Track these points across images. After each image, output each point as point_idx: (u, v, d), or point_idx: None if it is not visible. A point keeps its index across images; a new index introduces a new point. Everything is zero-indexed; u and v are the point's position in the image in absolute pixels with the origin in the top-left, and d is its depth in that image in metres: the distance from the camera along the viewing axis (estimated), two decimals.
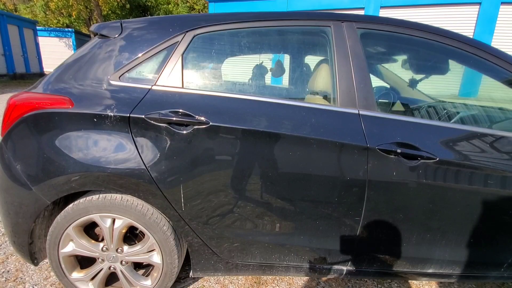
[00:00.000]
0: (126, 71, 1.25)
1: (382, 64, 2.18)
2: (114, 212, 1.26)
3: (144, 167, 1.18)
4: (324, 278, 1.66)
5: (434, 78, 1.95)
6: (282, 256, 1.34)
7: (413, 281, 1.65)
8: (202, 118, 1.17)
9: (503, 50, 1.32)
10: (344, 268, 1.36)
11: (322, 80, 1.40)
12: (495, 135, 1.25)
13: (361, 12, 7.47)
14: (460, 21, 6.99)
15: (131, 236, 1.43)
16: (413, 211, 1.24)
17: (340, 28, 1.29)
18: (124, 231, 1.33)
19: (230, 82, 1.60)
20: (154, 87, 1.23)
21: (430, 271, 1.36)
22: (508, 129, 1.43)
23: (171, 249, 1.31)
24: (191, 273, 1.40)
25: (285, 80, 2.22)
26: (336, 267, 1.36)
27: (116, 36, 1.29)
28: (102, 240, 1.37)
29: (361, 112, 1.22)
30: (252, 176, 1.21)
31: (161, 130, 1.18)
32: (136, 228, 1.37)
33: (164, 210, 1.26)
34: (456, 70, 1.62)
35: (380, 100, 2.11)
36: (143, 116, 1.17)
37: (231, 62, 1.61)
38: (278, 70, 2.23)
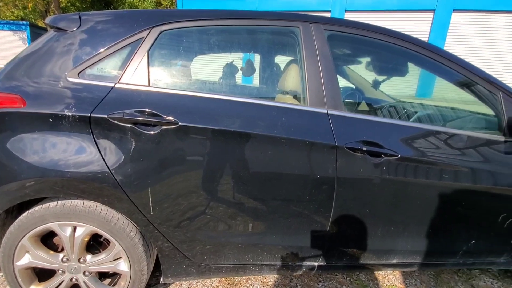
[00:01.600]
0: (85, 68, 1.17)
1: (348, 66, 2.27)
2: (74, 219, 1.17)
3: (108, 171, 1.11)
4: (296, 275, 1.69)
5: (394, 80, 2.08)
6: (255, 255, 1.34)
7: (379, 271, 1.74)
8: (171, 118, 1.13)
9: (455, 54, 1.44)
10: (316, 263, 1.39)
11: (292, 80, 1.42)
12: (449, 132, 1.36)
13: (328, 15, 7.74)
14: (417, 27, 7.53)
15: (95, 244, 1.34)
16: (378, 205, 1.30)
17: (309, 29, 1.32)
18: (86, 239, 1.24)
19: (199, 81, 1.56)
20: (118, 85, 1.16)
21: (394, 261, 1.45)
22: (459, 127, 1.56)
23: (140, 255, 1.25)
24: (161, 279, 1.35)
25: (255, 79, 2.23)
26: (308, 263, 1.39)
27: (74, 29, 1.20)
28: (62, 250, 1.27)
29: (329, 112, 1.25)
30: (224, 176, 1.20)
31: (126, 130, 1.12)
32: (100, 236, 1.28)
33: (131, 215, 1.20)
34: (414, 72, 1.73)
35: (346, 100, 2.20)
36: (106, 116, 1.10)
37: (200, 60, 1.57)
38: (248, 69, 2.23)
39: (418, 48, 1.38)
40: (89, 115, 1.09)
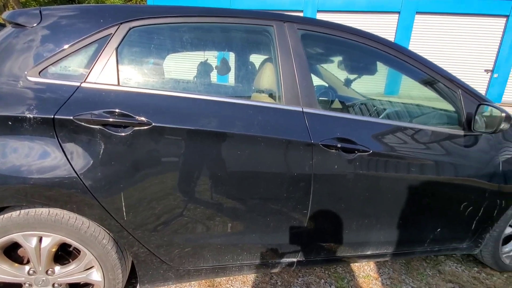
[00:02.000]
0: (47, 66, 1.09)
1: (321, 64, 2.32)
2: (40, 229, 1.10)
3: (76, 175, 1.05)
4: (276, 272, 1.71)
5: (365, 78, 2.16)
6: (235, 256, 1.34)
7: (355, 263, 1.81)
8: (143, 119, 1.09)
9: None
10: (295, 259, 1.41)
11: (267, 78, 1.43)
12: (415, 128, 1.44)
13: (300, 15, 7.88)
14: (384, 27, 7.90)
15: (64, 254, 1.26)
16: (353, 200, 1.35)
17: (282, 28, 1.33)
18: (54, 249, 1.16)
19: (173, 80, 1.52)
20: (84, 84, 1.10)
21: (368, 252, 1.51)
22: (424, 123, 1.66)
23: (113, 263, 1.20)
24: (138, 286, 1.30)
25: (231, 78, 2.21)
26: (287, 259, 1.41)
27: (35, 25, 1.11)
28: (28, 262, 1.18)
29: (304, 110, 1.27)
30: (201, 177, 1.18)
31: (95, 132, 1.06)
32: (69, 245, 1.21)
33: (102, 222, 1.14)
34: (382, 71, 1.81)
35: (320, 98, 2.25)
36: (72, 118, 1.03)
37: (173, 58, 1.52)
38: (223, 68, 2.20)
39: (386, 48, 1.45)
40: (52, 116, 1.02)
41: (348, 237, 1.43)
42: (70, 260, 1.24)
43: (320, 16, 8.07)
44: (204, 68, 2.16)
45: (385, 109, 1.96)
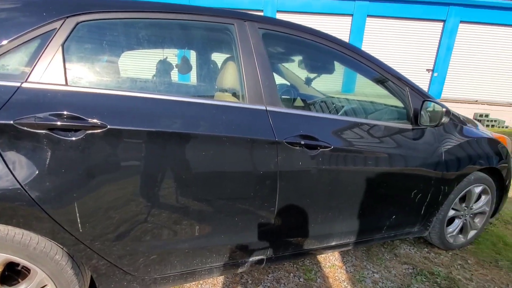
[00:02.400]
0: None
1: (282, 64, 2.37)
2: None
3: (20, 187, 0.93)
4: (246, 270, 1.71)
5: (324, 77, 2.26)
6: (204, 259, 1.31)
7: (321, 255, 1.89)
8: (97, 121, 1.00)
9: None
10: (264, 257, 1.43)
11: (230, 77, 1.41)
12: (370, 124, 1.54)
13: (261, 14, 7.96)
14: (339, 29, 8.33)
15: (12, 274, 1.12)
16: (317, 194, 1.40)
17: (243, 27, 1.33)
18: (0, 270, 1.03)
19: (130, 79, 1.43)
20: (26, 85, 0.98)
21: (333, 243, 1.59)
22: (378, 119, 1.78)
23: (69, 280, 1.09)
24: None
25: (193, 77, 2.15)
26: (256, 258, 1.41)
27: None
28: None
29: (268, 108, 1.28)
30: (165, 181, 1.13)
31: (40, 138, 0.95)
32: (18, 264, 1.08)
33: (54, 236, 1.03)
34: (339, 70, 1.91)
35: (283, 97, 2.30)
36: (12, 122, 0.92)
37: (130, 56, 1.44)
38: (184, 66, 2.14)
39: (342, 49, 1.52)
40: None
41: (314, 230, 1.48)
42: (20, 280, 1.11)
43: (280, 16, 8.24)
44: (164, 66, 2.07)
45: (343, 106, 2.07)
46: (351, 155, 1.43)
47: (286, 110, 1.33)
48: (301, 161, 1.30)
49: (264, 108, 1.28)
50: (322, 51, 1.66)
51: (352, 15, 8.30)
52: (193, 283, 1.60)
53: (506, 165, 1.99)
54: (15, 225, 0.98)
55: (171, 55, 2.06)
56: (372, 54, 1.60)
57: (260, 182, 1.25)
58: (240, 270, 1.42)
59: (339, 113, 1.95)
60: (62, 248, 1.08)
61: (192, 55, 2.04)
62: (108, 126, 1.01)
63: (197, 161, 1.15)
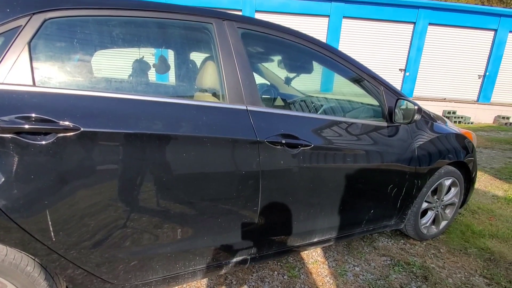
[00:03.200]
0: None
1: (262, 63, 2.38)
2: None
3: None
4: (231, 271, 1.70)
5: (303, 77, 2.29)
6: (187, 262, 1.28)
7: (304, 251, 1.92)
8: (68, 123, 0.95)
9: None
10: (248, 256, 1.43)
11: (209, 77, 1.39)
12: (348, 122, 1.58)
13: (239, 14, 7.94)
14: (317, 29, 8.49)
15: None
16: (299, 192, 1.42)
17: (222, 26, 1.31)
18: None
19: (104, 79, 1.37)
20: None
21: (315, 240, 1.62)
22: (355, 117, 1.83)
23: None
24: None
25: (171, 77, 2.10)
26: (241, 258, 1.41)
27: None
28: None
29: (249, 108, 1.28)
30: (144, 184, 1.09)
31: (5, 143, 0.88)
32: None
33: (25, 246, 0.97)
34: (318, 70, 1.94)
35: (263, 96, 2.31)
36: None
37: (103, 55, 1.37)
38: (162, 66, 2.08)
39: (320, 49, 1.55)
40: None
41: (297, 228, 1.50)
42: None
43: (258, 16, 8.27)
44: (140, 66, 2.01)
45: (322, 105, 2.11)
46: (331, 153, 1.46)
47: (266, 110, 1.34)
48: (283, 160, 1.31)
49: (244, 107, 1.27)
50: (301, 51, 1.68)
51: (329, 16, 8.50)
52: (177, 287, 1.57)
53: (472, 158, 2.12)
54: None
55: (148, 54, 2.00)
56: (349, 54, 1.65)
57: (243, 182, 1.25)
58: (224, 271, 1.41)
59: (318, 112, 1.99)
60: (34, 259, 1.02)
61: (170, 55, 1.99)
62: (81, 129, 0.96)
63: (178, 163, 1.12)
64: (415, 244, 2.11)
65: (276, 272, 1.73)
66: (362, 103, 2.07)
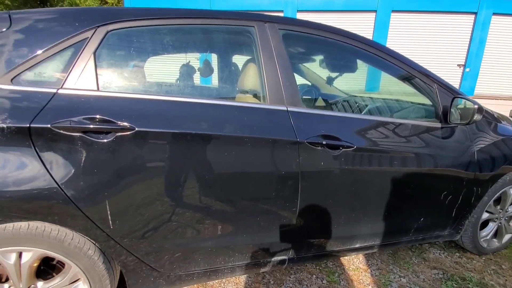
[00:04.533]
0: (20, 73, 1.03)
1: (303, 64, 2.35)
2: (19, 244, 1.04)
3: (57, 186, 1.00)
4: (269, 271, 1.71)
5: (346, 76, 2.21)
6: (226, 257, 1.33)
7: (345, 257, 1.85)
8: (126, 124, 1.06)
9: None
10: (286, 257, 1.42)
11: (250, 79, 1.43)
12: (395, 122, 1.49)
13: (281, 15, 7.94)
14: (362, 26, 8.10)
15: (47, 268, 1.20)
16: (340, 195, 1.38)
17: (264, 28, 1.34)
18: (36, 264, 1.11)
19: (155, 83, 1.49)
20: (61, 91, 1.05)
21: (357, 245, 1.55)
22: (404, 117, 1.72)
23: (101, 274, 1.16)
24: None
25: (214, 79, 2.19)
26: (278, 258, 1.41)
27: (4, 30, 1.06)
28: (7, 280, 1.12)
29: (289, 109, 1.28)
30: (189, 181, 1.16)
31: (75, 140, 1.02)
32: (52, 259, 1.16)
33: (87, 232, 1.10)
34: (362, 68, 1.86)
35: (304, 97, 2.28)
36: (49, 126, 0.99)
37: (155, 61, 1.50)
38: (206, 69, 2.18)
39: (365, 46, 1.48)
40: (28, 125, 0.97)
41: (337, 232, 1.45)
42: (54, 274, 1.19)
43: (300, 16, 8.17)
44: (187, 70, 2.13)
45: (366, 105, 2.01)
46: (376, 155, 1.39)
47: (307, 110, 1.33)
48: (323, 161, 1.29)
49: (285, 108, 1.28)
50: (343, 50, 1.63)
51: (375, 11, 8.04)
52: (216, 281, 1.63)
53: None
54: (51, 222, 1.06)
55: (194, 59, 2.11)
56: (398, 51, 1.55)
57: (282, 182, 1.25)
58: (262, 270, 1.43)
59: (363, 112, 1.90)
60: (95, 244, 1.15)
61: (214, 58, 2.08)
62: (136, 129, 1.06)
63: (220, 162, 1.17)
64: (473, 258, 1.90)
65: (314, 276, 1.70)
66: (412, 103, 1.93)
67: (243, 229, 1.29)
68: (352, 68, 1.87)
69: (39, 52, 1.06)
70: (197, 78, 2.23)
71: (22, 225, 1.04)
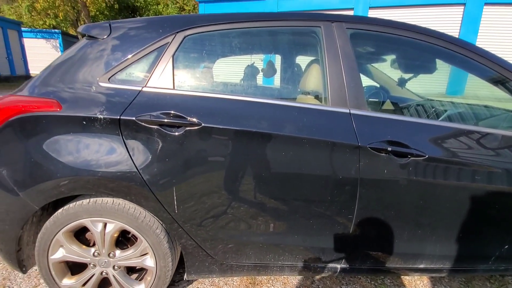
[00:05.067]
0: (115, 73, 1.23)
1: (372, 64, 2.21)
2: (105, 216, 1.24)
3: (136, 170, 1.16)
4: (318, 277, 1.67)
5: (422, 77, 2.00)
6: (276, 256, 1.35)
7: (405, 276, 1.68)
8: (194, 120, 1.17)
9: (487, 49, 1.36)
10: (338, 266, 1.37)
11: (313, 80, 1.41)
12: (481, 132, 1.29)
13: (350, 13, 7.57)
14: (446, 22, 7.16)
15: (123, 240, 1.40)
16: (404, 208, 1.26)
17: (330, 28, 1.31)
18: (116, 235, 1.31)
19: (221, 83, 1.60)
20: (145, 89, 1.22)
21: (421, 266, 1.39)
22: (493, 126, 1.47)
23: (165, 252, 1.30)
24: (185, 276, 1.39)
25: (276, 80, 2.23)
26: (330, 265, 1.37)
27: (105, 37, 1.27)
28: (94, 245, 1.34)
29: (352, 111, 1.23)
30: (245, 176, 1.21)
31: (153, 132, 1.17)
32: (128, 232, 1.35)
33: (157, 213, 1.25)
34: (443, 69, 1.66)
35: (370, 99, 2.15)
36: (134, 118, 1.16)
37: (222, 62, 1.60)
38: (269, 70, 2.24)
39: (447, 44, 1.32)
40: (118, 117, 1.16)
41: (398, 247, 1.33)
42: (129, 245, 1.39)
43: (373, 13, 7.65)
44: (251, 71, 2.22)
45: (445, 111, 1.78)
46: (453, 168, 1.23)
47: (372, 114, 1.25)
48: (387, 169, 1.19)
49: (347, 111, 1.23)
50: (420, 48, 1.47)
51: (464, 4, 7.02)
52: (265, 277, 1.66)
53: None
54: (129, 200, 1.23)
55: (258, 60, 2.19)
56: (489, 50, 1.34)
57: (339, 187, 1.21)
58: (311, 274, 1.40)
59: (440, 118, 1.69)
60: (162, 224, 1.30)
61: (277, 59, 2.11)
62: (203, 124, 1.16)
63: (277, 161, 1.20)
64: None
65: None
66: (505, 110, 1.64)
67: (295, 229, 1.29)
68: (429, 69, 1.68)
69: (130, 56, 1.24)
70: (260, 79, 2.30)
71: (108, 200, 1.24)
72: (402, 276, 1.68)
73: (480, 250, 1.38)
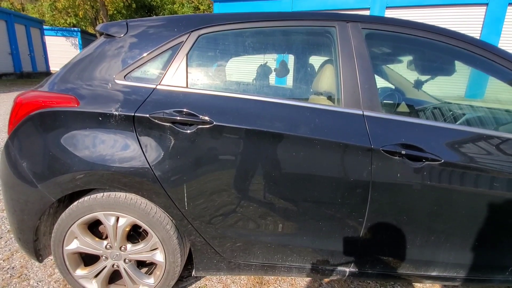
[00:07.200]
0: (131, 71, 1.26)
1: (387, 65, 2.16)
2: (118, 210, 1.27)
3: (148, 166, 1.19)
4: (326, 279, 1.66)
5: (439, 79, 1.94)
6: (284, 256, 1.34)
7: (417, 283, 1.64)
8: (206, 118, 1.18)
9: (510, 51, 1.31)
10: (347, 269, 1.35)
11: (326, 80, 1.40)
12: (502, 137, 1.24)
13: (367, 13, 7.43)
14: (467, 22, 6.92)
15: (135, 234, 1.43)
16: (417, 213, 1.23)
17: (345, 28, 1.29)
18: (127, 229, 1.34)
19: (234, 82, 1.60)
20: (159, 87, 1.24)
21: (434, 273, 1.35)
22: None
23: (174, 247, 1.32)
24: (193, 272, 1.41)
25: (289, 80, 2.22)
26: (338, 268, 1.35)
27: (122, 35, 1.30)
28: (106, 238, 1.38)
29: (365, 113, 1.21)
30: (255, 176, 1.21)
31: (165, 129, 1.18)
32: (139, 227, 1.38)
33: (167, 209, 1.27)
34: (463, 72, 1.60)
35: (384, 101, 2.10)
36: (148, 116, 1.18)
37: (235, 62, 1.61)
38: (282, 70, 2.23)
39: (467, 45, 1.28)
40: (133, 114, 1.18)
41: (410, 253, 1.30)
42: (139, 240, 1.41)
43: (390, 13, 7.49)
44: (264, 70, 2.22)
45: (463, 114, 1.72)
46: (470, 174, 1.19)
47: (386, 116, 1.22)
48: (400, 173, 1.17)
49: (360, 112, 1.21)
50: (438, 50, 1.43)
51: (486, 4, 6.77)
52: (272, 277, 1.66)
53: None
54: (141, 195, 1.26)
55: (271, 59, 2.18)
56: None
57: (350, 189, 1.19)
58: (319, 276, 1.39)
59: (457, 122, 1.64)
60: (172, 220, 1.32)
61: (291, 59, 2.10)
62: (214, 123, 1.17)
63: (287, 161, 1.19)
64: None
65: None
66: None
67: (304, 231, 1.28)
68: (448, 71, 1.63)
69: (145, 54, 1.27)
70: (272, 78, 2.29)
71: (121, 195, 1.27)
72: (414, 283, 1.64)
73: (497, 260, 1.33)
